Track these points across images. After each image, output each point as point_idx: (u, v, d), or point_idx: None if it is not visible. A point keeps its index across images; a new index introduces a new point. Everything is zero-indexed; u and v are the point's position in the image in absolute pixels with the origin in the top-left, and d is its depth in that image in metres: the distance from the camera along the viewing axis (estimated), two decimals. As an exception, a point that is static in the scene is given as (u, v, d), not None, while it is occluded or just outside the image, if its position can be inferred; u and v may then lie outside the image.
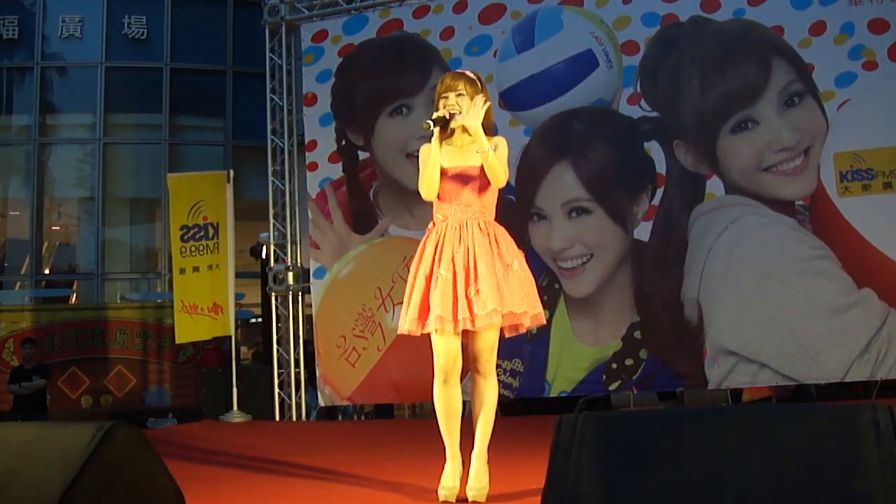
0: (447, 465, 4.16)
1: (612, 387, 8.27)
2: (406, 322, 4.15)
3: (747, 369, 7.86)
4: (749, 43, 8.20)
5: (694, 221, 8.13)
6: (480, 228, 4.17)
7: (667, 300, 8.15)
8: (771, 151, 7.93)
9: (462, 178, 4.19)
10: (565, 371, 8.34)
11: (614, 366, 8.22)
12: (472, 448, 4.17)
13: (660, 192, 8.25)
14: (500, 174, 4.15)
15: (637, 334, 8.21)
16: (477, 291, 4.02)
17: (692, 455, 1.96)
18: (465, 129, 4.24)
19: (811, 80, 7.94)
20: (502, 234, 4.24)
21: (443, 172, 4.18)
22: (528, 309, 4.12)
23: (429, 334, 4.14)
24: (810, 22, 8.00)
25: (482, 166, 4.16)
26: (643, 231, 8.28)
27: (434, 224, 4.26)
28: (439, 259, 4.11)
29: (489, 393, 4.21)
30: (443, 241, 4.14)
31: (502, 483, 4.22)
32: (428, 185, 4.18)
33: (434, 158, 4.15)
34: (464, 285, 4.05)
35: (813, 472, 1.85)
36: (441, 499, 4.08)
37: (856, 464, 1.83)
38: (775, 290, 7.81)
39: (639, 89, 8.43)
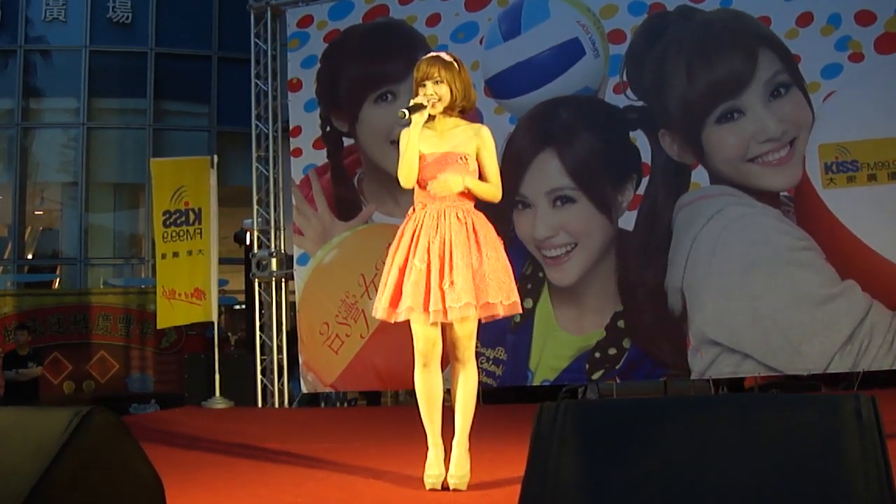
0: (430, 453, 4.13)
1: (595, 376, 8.27)
2: (380, 309, 4.13)
3: (730, 359, 7.87)
4: (736, 33, 8.19)
5: (679, 211, 8.13)
6: (458, 218, 4.11)
7: (651, 290, 8.16)
8: (756, 142, 7.93)
9: (442, 164, 4.14)
10: (548, 360, 8.34)
11: (597, 355, 8.22)
12: (453, 436, 4.16)
13: (645, 181, 8.25)
14: (493, 193, 4.22)
15: (620, 323, 8.22)
16: (451, 283, 3.98)
17: (674, 444, 1.95)
18: (445, 114, 4.21)
19: (797, 71, 7.95)
20: (482, 222, 4.18)
21: (422, 158, 4.13)
22: (502, 299, 4.07)
23: (409, 322, 4.12)
24: (797, 13, 8.00)
25: (462, 154, 4.15)
26: (628, 220, 8.28)
27: (414, 210, 4.21)
28: (415, 249, 4.06)
29: (469, 380, 4.20)
30: (420, 230, 4.09)
31: (484, 471, 4.21)
32: (407, 172, 4.12)
33: (413, 145, 4.09)
34: (437, 277, 4.00)
35: (795, 463, 1.84)
36: (428, 487, 4.07)
37: (838, 455, 1.82)
38: (759, 281, 7.82)
39: (625, 78, 8.42)
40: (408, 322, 4.13)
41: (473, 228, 4.12)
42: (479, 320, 4.17)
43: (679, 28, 8.34)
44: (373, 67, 9.23)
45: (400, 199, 8.67)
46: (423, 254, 4.03)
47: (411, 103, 4.09)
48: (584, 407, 2.12)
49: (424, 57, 4.32)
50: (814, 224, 7.80)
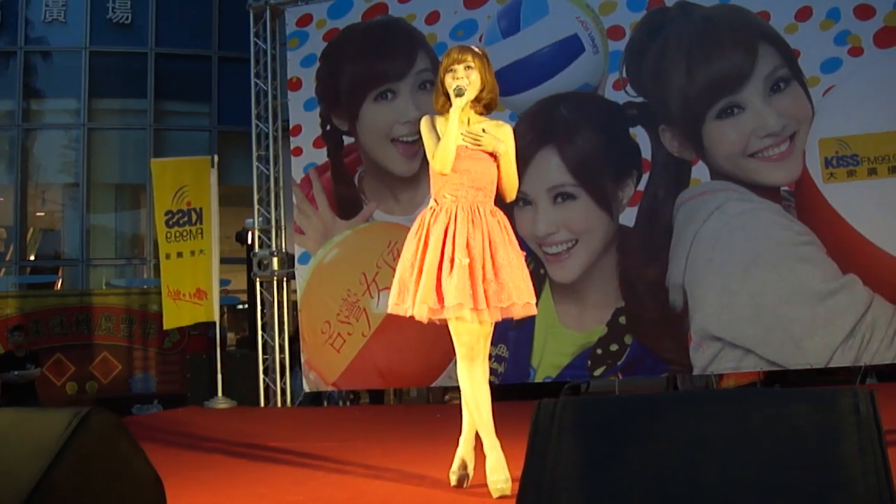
0: (491, 456, 3.92)
1: (597, 372, 8.28)
2: (416, 307, 3.90)
3: (732, 355, 7.87)
4: (735, 28, 8.19)
5: (679, 207, 8.13)
6: (492, 213, 4.03)
7: (652, 286, 8.16)
8: (756, 137, 7.93)
9: (474, 159, 4.05)
10: (550, 356, 8.34)
11: (599, 351, 8.22)
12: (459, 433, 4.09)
13: (645, 177, 8.25)
14: (514, 184, 4.14)
15: (622, 320, 8.22)
16: (498, 281, 3.87)
17: (671, 440, 1.95)
18: (472, 106, 4.13)
19: (797, 66, 7.94)
20: (507, 221, 4.09)
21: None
22: (532, 298, 3.99)
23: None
24: (796, 7, 8.00)
25: (493, 154, 4.08)
26: (628, 216, 8.28)
27: (437, 202, 4.06)
28: (453, 243, 3.90)
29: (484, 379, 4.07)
30: (455, 224, 3.94)
31: (484, 468, 4.19)
32: (446, 157, 3.95)
33: (455, 129, 3.97)
34: (481, 273, 3.87)
35: (793, 458, 1.84)
36: (496, 495, 3.82)
37: (835, 450, 1.82)
38: (760, 276, 7.82)
39: (624, 74, 8.42)
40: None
41: (505, 227, 4.05)
42: None
43: (678, 24, 8.33)
44: (372, 66, 9.23)
45: (400, 196, 8.69)
46: (464, 249, 3.89)
47: (454, 86, 3.99)
48: (581, 403, 2.12)
49: (455, 45, 4.26)
50: (814, 219, 7.80)
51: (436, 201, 4.07)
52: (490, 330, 4.04)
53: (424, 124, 4.13)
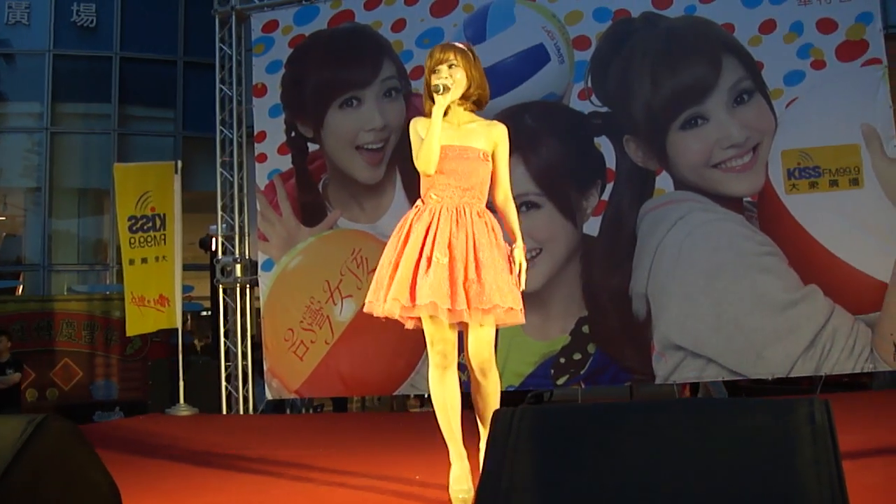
0: (456, 466, 3.85)
1: (560, 381, 8.29)
2: (387, 303, 3.75)
3: (694, 364, 7.91)
4: (700, 40, 8.26)
5: (643, 217, 8.16)
6: (479, 214, 3.88)
7: (615, 295, 8.18)
8: (720, 148, 7.99)
9: (462, 159, 3.91)
10: (513, 365, 8.33)
11: (562, 360, 8.24)
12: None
13: (609, 186, 8.29)
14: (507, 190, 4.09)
15: (585, 329, 8.24)
16: (480, 282, 3.72)
17: (628, 449, 1.95)
18: (461, 104, 3.99)
19: (760, 78, 8.02)
20: (497, 224, 3.96)
21: (441, 150, 3.86)
22: (515, 305, 3.84)
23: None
24: (760, 20, 8.08)
25: (482, 151, 3.96)
26: (592, 226, 8.31)
27: (423, 203, 3.93)
28: (433, 242, 3.77)
29: (495, 388, 3.99)
30: (437, 223, 3.81)
31: (444, 476, 4.18)
32: (429, 157, 3.82)
33: (437, 127, 3.83)
34: (462, 274, 3.73)
35: (748, 468, 1.85)
36: (458, 503, 3.76)
37: (790, 460, 1.83)
38: (723, 286, 7.87)
39: (590, 84, 8.46)
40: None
41: (493, 229, 3.91)
42: None
43: (644, 35, 8.39)
44: (338, 73, 9.22)
45: (365, 204, 8.66)
46: (445, 248, 3.75)
47: (436, 83, 3.86)
48: (539, 412, 2.11)
49: (437, 45, 4.08)
50: (777, 229, 7.86)
51: (422, 201, 3.96)
52: (491, 335, 3.89)
53: (412, 126, 4.00)
